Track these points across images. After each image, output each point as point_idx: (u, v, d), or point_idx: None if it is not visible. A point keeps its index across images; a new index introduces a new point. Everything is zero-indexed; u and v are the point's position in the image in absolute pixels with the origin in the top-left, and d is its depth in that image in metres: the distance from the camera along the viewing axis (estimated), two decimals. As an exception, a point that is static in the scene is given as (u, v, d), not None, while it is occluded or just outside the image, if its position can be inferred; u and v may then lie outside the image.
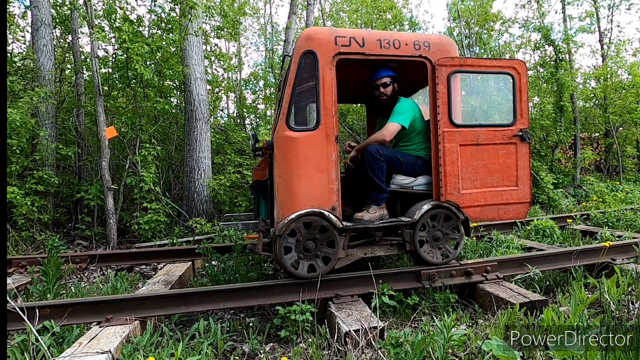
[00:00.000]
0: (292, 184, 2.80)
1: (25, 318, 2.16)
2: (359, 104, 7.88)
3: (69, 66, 7.67)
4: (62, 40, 8.11)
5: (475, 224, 4.93)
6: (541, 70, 10.73)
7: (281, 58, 8.13)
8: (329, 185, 2.85)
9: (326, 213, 2.82)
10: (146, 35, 6.84)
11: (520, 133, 3.14)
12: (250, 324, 2.78)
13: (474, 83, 3.53)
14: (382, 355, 2.10)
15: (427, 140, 3.23)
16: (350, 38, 2.91)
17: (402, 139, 3.35)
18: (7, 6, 6.89)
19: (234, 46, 13.74)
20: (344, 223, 2.90)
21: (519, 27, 15.11)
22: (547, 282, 3.29)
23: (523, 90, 3.17)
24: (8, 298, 2.34)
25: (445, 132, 3.00)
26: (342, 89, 4.10)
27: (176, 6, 6.83)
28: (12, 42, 8.07)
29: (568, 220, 5.49)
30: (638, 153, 11.50)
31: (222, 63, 8.82)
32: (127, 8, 6.27)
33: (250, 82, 11.36)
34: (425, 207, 3.02)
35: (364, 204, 3.18)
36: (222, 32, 7.50)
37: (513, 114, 3.18)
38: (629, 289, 2.83)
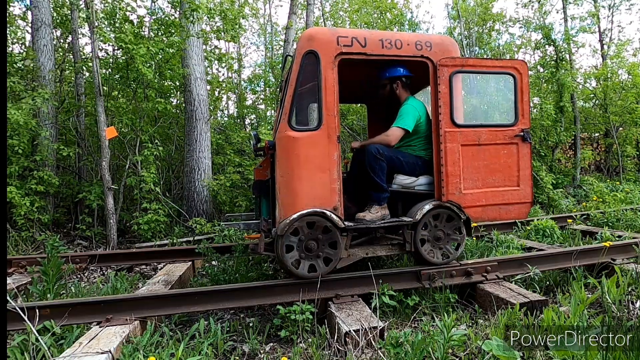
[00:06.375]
0: (293, 183, 2.80)
1: (26, 318, 2.16)
2: (360, 104, 7.88)
3: (68, 66, 7.66)
4: (62, 41, 8.11)
5: (475, 224, 4.93)
6: (541, 70, 10.73)
7: (282, 58, 8.13)
8: (330, 185, 2.84)
9: (328, 213, 2.81)
10: (147, 36, 6.84)
11: (522, 133, 3.14)
12: (250, 324, 2.78)
13: (475, 83, 3.53)
14: (382, 355, 2.10)
15: (428, 142, 3.23)
16: (352, 38, 2.91)
17: (403, 139, 3.35)
18: (7, 6, 6.89)
19: (234, 47, 13.73)
20: (346, 223, 2.89)
21: (520, 27, 15.12)
22: (547, 282, 3.29)
23: (524, 91, 3.17)
24: (8, 298, 2.34)
25: (446, 132, 3.00)
26: (343, 89, 4.09)
27: (177, 9, 6.85)
28: (14, 43, 8.08)
29: (568, 220, 5.49)
30: (638, 153, 11.49)
31: (224, 64, 8.82)
32: (126, 9, 6.26)
33: (252, 82, 11.36)
34: (427, 207, 3.02)
35: (366, 203, 3.19)
36: (223, 35, 7.50)
37: (514, 114, 3.18)
38: (629, 289, 2.83)
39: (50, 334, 2.37)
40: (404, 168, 3.21)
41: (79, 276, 4.27)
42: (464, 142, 3.04)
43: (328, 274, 2.90)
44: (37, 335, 2.14)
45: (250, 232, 3.95)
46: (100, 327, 2.45)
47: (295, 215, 2.77)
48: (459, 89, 3.10)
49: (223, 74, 10.98)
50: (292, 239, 2.82)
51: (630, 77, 10.89)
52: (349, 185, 3.54)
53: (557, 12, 13.31)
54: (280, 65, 7.94)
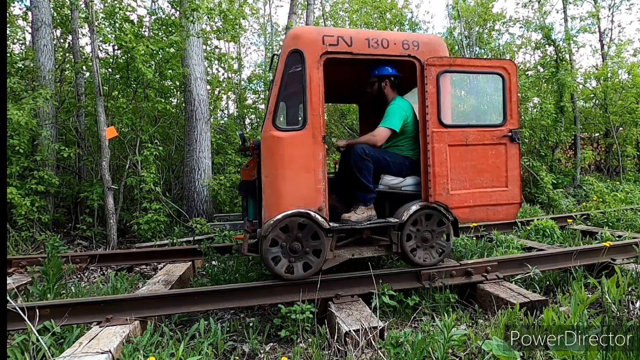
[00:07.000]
0: (278, 184, 2.78)
1: (26, 318, 2.17)
2: (354, 104, 7.86)
3: (68, 66, 7.67)
4: (62, 41, 8.12)
5: (475, 224, 4.93)
6: (541, 70, 10.72)
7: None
8: (315, 186, 2.82)
9: (313, 214, 2.79)
10: (147, 36, 6.84)
11: (510, 133, 3.12)
12: (251, 324, 2.78)
13: (463, 83, 3.51)
14: (382, 355, 2.10)
15: (415, 142, 3.19)
16: (338, 37, 2.88)
17: (390, 139, 3.31)
18: (7, 6, 6.89)
19: (234, 47, 13.74)
20: (331, 224, 2.86)
21: (520, 27, 15.12)
22: (547, 282, 3.29)
23: (513, 91, 3.14)
24: (8, 298, 2.34)
25: (434, 132, 2.98)
26: (335, 89, 4.04)
27: (177, 9, 6.85)
28: (14, 43, 8.08)
29: (568, 220, 5.49)
30: (638, 153, 11.49)
31: (223, 64, 8.83)
32: (126, 9, 6.27)
33: (251, 82, 11.37)
34: (414, 207, 2.99)
35: (353, 204, 3.16)
36: (223, 35, 7.51)
37: (503, 114, 3.15)
38: (629, 289, 2.83)
39: (50, 333, 2.37)
40: (390, 168, 3.18)
41: (79, 276, 4.27)
42: (451, 143, 3.01)
43: (312, 275, 2.87)
44: (37, 335, 2.14)
45: (241, 233, 3.94)
46: (100, 327, 2.45)
47: (279, 216, 2.74)
48: (446, 88, 3.07)
49: (223, 74, 10.98)
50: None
51: (630, 77, 10.89)
52: (337, 185, 3.51)
53: (557, 12, 13.32)
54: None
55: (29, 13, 6.94)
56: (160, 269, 4.23)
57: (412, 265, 3.07)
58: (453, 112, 3.19)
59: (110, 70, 6.73)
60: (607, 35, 12.50)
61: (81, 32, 7.39)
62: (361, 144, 3.11)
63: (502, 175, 3.13)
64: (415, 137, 3.20)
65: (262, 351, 2.44)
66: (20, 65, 6.55)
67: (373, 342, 2.23)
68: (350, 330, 2.26)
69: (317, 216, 2.80)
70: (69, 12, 6.94)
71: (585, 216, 5.82)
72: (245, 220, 3.31)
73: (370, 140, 3.15)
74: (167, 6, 7.93)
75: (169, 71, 6.66)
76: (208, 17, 6.71)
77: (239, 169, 7.21)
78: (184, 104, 7.30)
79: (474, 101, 3.68)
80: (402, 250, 3.01)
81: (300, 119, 3.01)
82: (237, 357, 2.37)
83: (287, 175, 2.77)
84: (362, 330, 2.26)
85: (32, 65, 6.36)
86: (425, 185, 3.02)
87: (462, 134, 3.05)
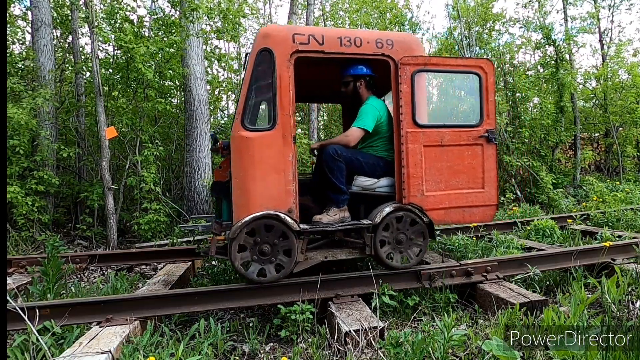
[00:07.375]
0: (247, 184, 2.73)
1: (26, 318, 2.17)
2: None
3: (68, 66, 7.67)
4: (62, 41, 8.11)
5: (475, 225, 4.93)
6: (542, 70, 10.72)
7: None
8: (285, 187, 2.77)
9: (282, 215, 2.75)
10: (147, 36, 6.84)
11: (487, 134, 3.08)
12: (250, 324, 2.78)
13: (439, 82, 3.48)
14: (382, 355, 2.10)
15: (390, 142, 3.14)
16: (309, 36, 2.83)
17: (365, 139, 3.27)
18: (7, 7, 6.89)
19: (234, 47, 13.73)
20: (302, 226, 2.82)
21: (520, 27, 15.12)
22: (547, 282, 3.29)
23: (490, 90, 3.10)
24: (8, 298, 2.34)
25: (408, 132, 2.94)
26: (319, 88, 4.01)
27: (177, 9, 6.86)
28: (14, 43, 8.08)
29: (568, 220, 5.48)
30: (638, 153, 11.48)
31: (223, 64, 8.84)
32: (126, 9, 6.28)
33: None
34: (387, 209, 2.94)
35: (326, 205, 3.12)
36: (223, 34, 7.52)
37: (479, 114, 3.11)
38: (629, 289, 2.83)
39: (50, 334, 2.37)
40: (363, 169, 3.12)
41: (79, 276, 4.27)
42: (426, 143, 2.97)
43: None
44: (37, 335, 2.15)
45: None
46: (100, 327, 2.45)
47: (247, 218, 2.69)
48: (422, 88, 3.02)
49: (223, 75, 10.99)
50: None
51: (630, 77, 10.88)
52: (313, 187, 3.47)
53: (557, 12, 13.32)
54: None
55: (29, 13, 6.94)
56: (160, 269, 4.23)
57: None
58: (429, 112, 3.13)
59: (110, 70, 6.72)
60: (607, 35, 12.49)
61: (81, 32, 7.39)
62: (334, 144, 3.06)
63: (478, 177, 3.09)
64: (390, 137, 3.13)
65: (262, 351, 2.44)
66: (20, 65, 6.55)
67: (373, 342, 2.23)
68: (350, 330, 2.26)
69: (287, 218, 2.75)
70: (69, 12, 6.94)
71: (585, 216, 5.81)
72: (214, 222, 3.23)
73: (342, 140, 3.11)
74: (167, 6, 7.95)
75: (169, 71, 6.66)
76: (208, 17, 6.71)
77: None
78: (184, 104, 7.30)
79: (451, 101, 3.65)
80: (376, 252, 2.96)
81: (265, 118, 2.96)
82: (237, 357, 2.37)
83: (257, 176, 2.72)
84: (362, 330, 2.26)
85: (32, 65, 6.36)
86: (399, 186, 2.97)
87: (437, 134, 3.00)
